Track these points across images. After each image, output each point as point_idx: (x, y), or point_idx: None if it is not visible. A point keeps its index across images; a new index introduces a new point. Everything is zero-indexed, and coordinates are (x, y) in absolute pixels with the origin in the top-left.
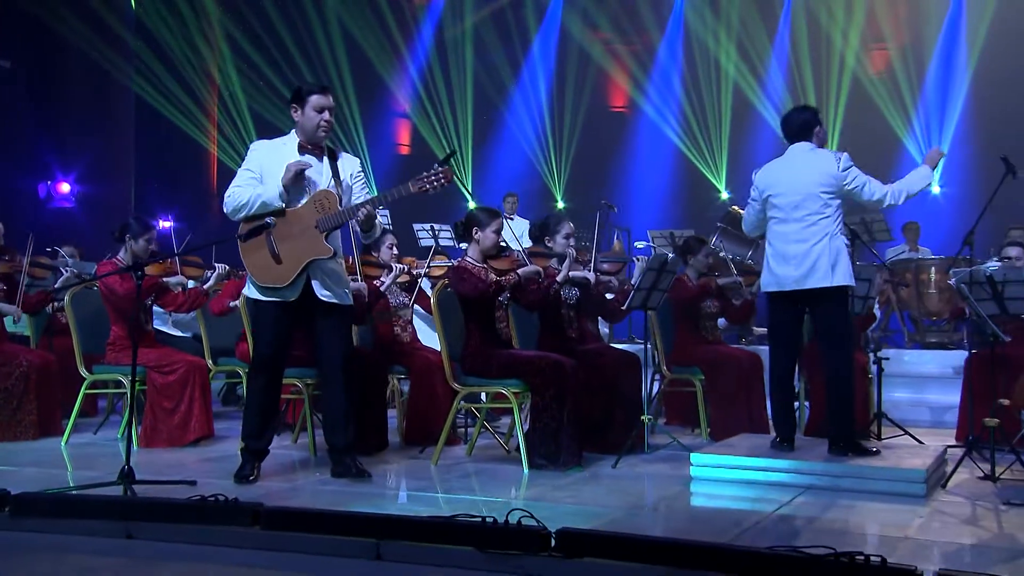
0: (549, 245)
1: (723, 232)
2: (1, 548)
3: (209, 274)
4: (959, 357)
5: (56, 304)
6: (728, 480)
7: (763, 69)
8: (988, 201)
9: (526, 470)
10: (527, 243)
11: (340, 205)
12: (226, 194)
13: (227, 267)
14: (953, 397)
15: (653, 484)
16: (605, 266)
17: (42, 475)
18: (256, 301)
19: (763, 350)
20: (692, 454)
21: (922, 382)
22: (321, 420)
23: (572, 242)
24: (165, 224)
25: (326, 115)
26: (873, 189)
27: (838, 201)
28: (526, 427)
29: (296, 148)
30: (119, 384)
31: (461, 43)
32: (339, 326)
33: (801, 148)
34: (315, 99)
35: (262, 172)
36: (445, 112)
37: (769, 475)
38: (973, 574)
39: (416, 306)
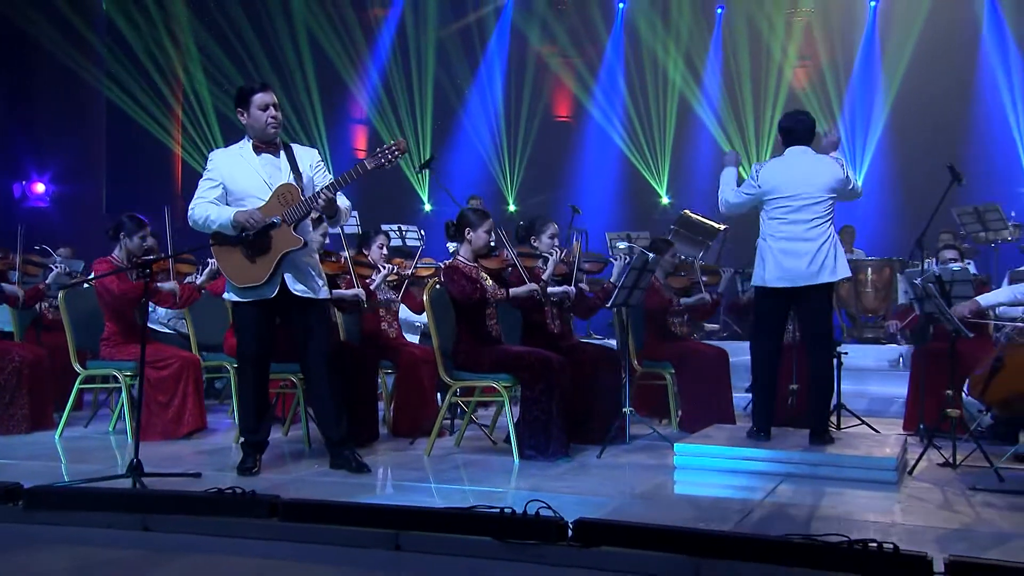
0: (535, 245)
1: (676, 234)
2: (16, 541)
3: (201, 270)
4: (894, 352)
5: (49, 301)
6: (710, 469)
7: (704, 78)
8: (935, 209)
9: (516, 460)
10: None
11: (303, 196)
12: (190, 205)
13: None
14: (891, 389)
15: (641, 473)
16: (586, 265)
17: (44, 468)
18: (236, 303)
19: (731, 346)
20: (676, 444)
21: (861, 375)
22: (313, 414)
23: (557, 242)
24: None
25: (271, 111)
26: (859, 187)
27: (835, 202)
28: (515, 419)
29: (252, 150)
30: (109, 379)
31: (424, 52)
32: (318, 321)
33: (802, 151)
34: (258, 98)
35: (223, 180)
36: (405, 118)
37: (750, 464)
38: (982, 560)
39: (402, 304)
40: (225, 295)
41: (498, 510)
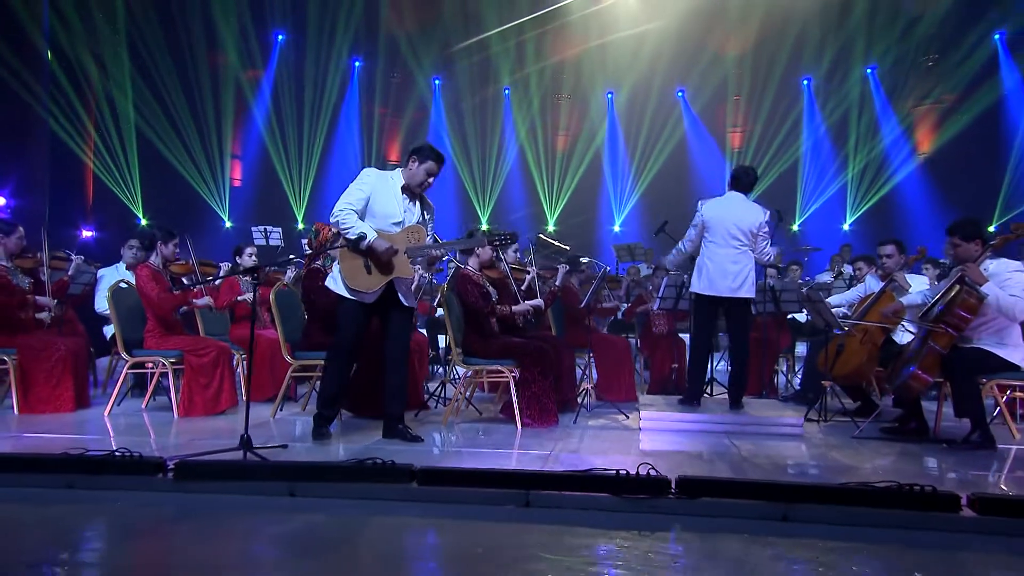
0: (477, 252)
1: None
2: (165, 510)
3: (220, 271)
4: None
5: (72, 287)
6: (667, 430)
7: (507, 139)
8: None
9: (519, 427)
10: None
11: (425, 239)
12: (338, 207)
13: (230, 264)
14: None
15: (614, 434)
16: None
17: (126, 441)
18: (343, 297)
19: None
20: (641, 410)
21: None
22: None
23: (519, 255)
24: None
25: (431, 179)
26: (768, 250)
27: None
28: (507, 398)
29: (400, 188)
30: (139, 365)
31: (289, 115)
32: (408, 323)
33: (739, 196)
34: (430, 165)
35: (371, 193)
36: (283, 152)
37: (697, 424)
38: (1003, 495)
39: None
40: (332, 286)
41: (614, 471)
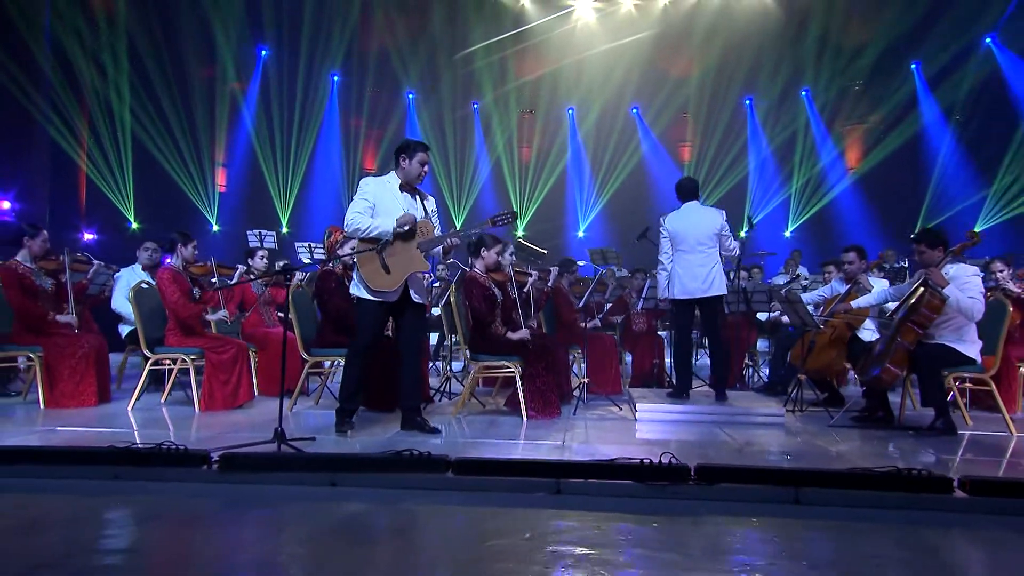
0: (483, 255)
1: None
2: (210, 501)
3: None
4: None
5: (91, 289)
6: (661, 420)
7: (477, 150)
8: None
9: (525, 418)
10: None
11: (434, 232)
12: (348, 217)
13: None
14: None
15: (612, 424)
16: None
17: (153, 435)
18: (364, 299)
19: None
20: (637, 402)
21: None
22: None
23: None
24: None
25: (426, 168)
26: (733, 244)
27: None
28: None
29: (398, 187)
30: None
31: (277, 125)
32: (421, 319)
33: (695, 204)
34: (421, 155)
35: (375, 202)
36: (268, 160)
37: (689, 415)
38: (991, 477)
39: None
40: (354, 291)
41: (638, 460)
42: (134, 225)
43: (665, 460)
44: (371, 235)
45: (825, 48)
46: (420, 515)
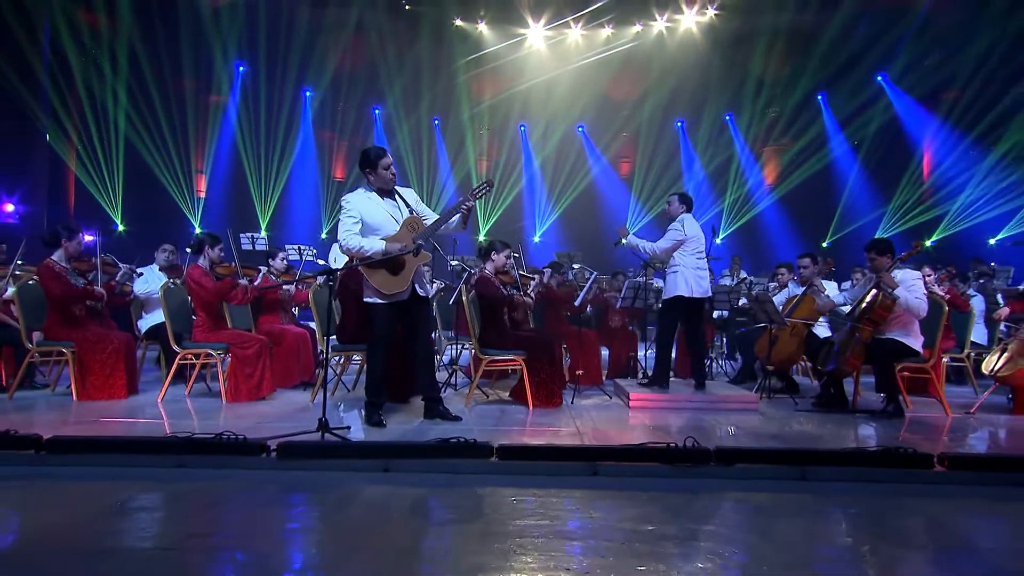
0: (493, 258)
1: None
2: (266, 485)
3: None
4: None
5: (118, 289)
6: (651, 408)
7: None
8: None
9: (531, 408)
10: None
11: (426, 222)
12: (341, 238)
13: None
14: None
15: (610, 412)
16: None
17: (185, 425)
18: (375, 304)
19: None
20: (631, 392)
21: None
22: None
23: (512, 261)
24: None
25: (392, 168)
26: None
27: None
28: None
29: (378, 195)
30: (174, 355)
31: (259, 137)
32: (429, 313)
33: (691, 216)
34: (384, 160)
35: (361, 216)
36: (248, 167)
37: (677, 403)
38: (967, 453)
39: None
40: (366, 298)
41: (664, 444)
42: (120, 227)
43: (689, 444)
44: (365, 256)
45: (743, 77)
46: (467, 496)
